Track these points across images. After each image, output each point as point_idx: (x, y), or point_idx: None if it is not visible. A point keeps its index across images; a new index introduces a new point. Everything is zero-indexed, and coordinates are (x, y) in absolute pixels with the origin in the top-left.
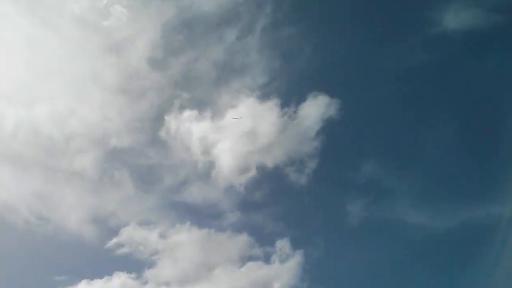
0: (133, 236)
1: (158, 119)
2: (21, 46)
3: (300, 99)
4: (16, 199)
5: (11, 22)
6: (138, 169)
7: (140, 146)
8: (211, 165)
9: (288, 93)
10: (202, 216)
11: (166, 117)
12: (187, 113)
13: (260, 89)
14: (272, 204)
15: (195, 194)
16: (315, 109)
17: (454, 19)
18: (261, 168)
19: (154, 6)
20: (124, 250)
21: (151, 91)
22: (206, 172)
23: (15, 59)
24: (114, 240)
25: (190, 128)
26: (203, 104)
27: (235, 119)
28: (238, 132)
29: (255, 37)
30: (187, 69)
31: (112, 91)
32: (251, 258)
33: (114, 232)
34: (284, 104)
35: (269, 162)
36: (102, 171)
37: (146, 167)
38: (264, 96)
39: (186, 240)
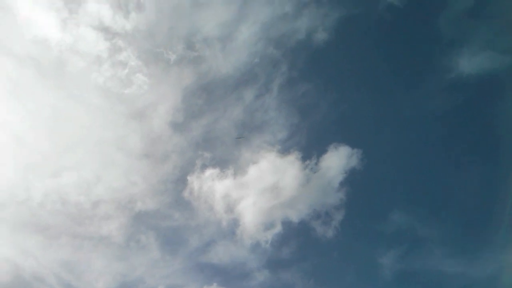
0: None
1: (181, 181)
2: (48, 118)
3: (321, 151)
4: (44, 269)
5: (38, 96)
6: (163, 232)
7: (164, 209)
8: (235, 223)
9: (309, 146)
10: (229, 276)
11: (189, 178)
12: (209, 172)
13: (280, 143)
14: (300, 260)
15: (220, 254)
16: (337, 160)
17: (469, 64)
18: (287, 223)
19: (174, 72)
20: None
21: (174, 154)
22: (231, 231)
23: (41, 130)
24: None
25: (212, 186)
26: (224, 162)
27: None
28: (261, 188)
29: (273, 95)
30: (208, 130)
31: (136, 156)
32: None
33: None
34: (305, 157)
35: (294, 217)
36: (129, 236)
37: (171, 229)
38: (284, 150)
39: None
